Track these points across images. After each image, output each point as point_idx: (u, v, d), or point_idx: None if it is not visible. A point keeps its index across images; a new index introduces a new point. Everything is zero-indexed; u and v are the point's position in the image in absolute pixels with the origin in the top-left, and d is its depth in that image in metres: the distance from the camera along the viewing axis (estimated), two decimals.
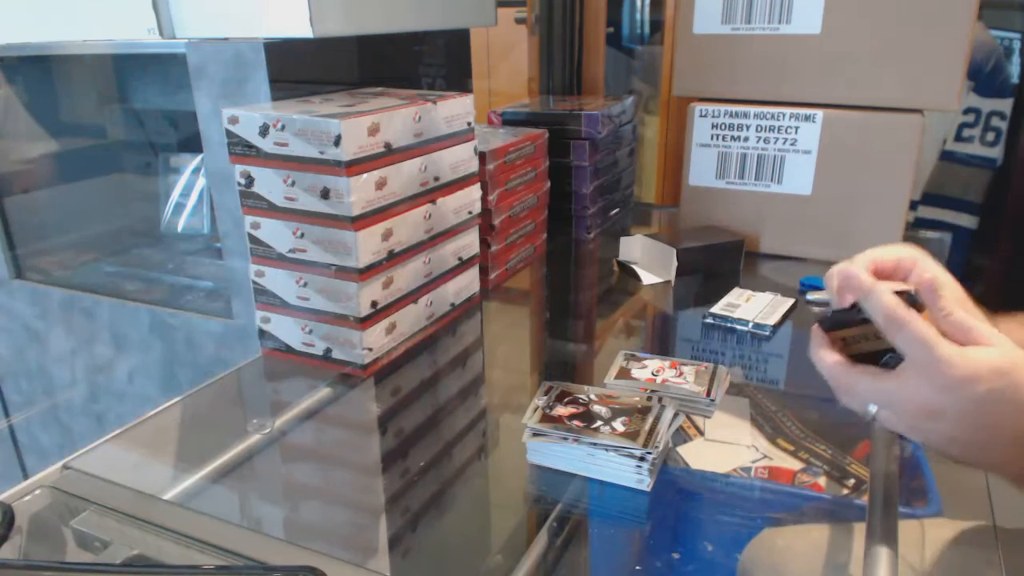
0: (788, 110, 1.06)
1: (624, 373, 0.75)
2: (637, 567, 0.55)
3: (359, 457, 0.70)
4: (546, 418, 0.64)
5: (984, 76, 1.61)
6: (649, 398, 0.66)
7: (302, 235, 0.75)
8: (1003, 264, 1.66)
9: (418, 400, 0.78)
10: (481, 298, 0.99)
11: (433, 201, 0.83)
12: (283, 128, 0.72)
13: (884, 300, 0.44)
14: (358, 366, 0.78)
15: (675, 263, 1.03)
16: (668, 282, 1.05)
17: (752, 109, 1.09)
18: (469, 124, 0.88)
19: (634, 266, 1.09)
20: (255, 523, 0.60)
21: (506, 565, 0.54)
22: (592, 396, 0.67)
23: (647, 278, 1.06)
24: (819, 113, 1.04)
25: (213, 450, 0.67)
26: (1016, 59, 1.65)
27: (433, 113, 0.81)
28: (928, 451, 0.63)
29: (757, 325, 0.89)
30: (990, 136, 1.64)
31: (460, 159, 0.87)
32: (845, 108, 1.04)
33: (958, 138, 1.67)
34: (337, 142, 0.69)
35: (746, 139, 1.10)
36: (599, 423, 0.62)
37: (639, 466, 0.59)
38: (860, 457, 0.65)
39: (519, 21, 1.74)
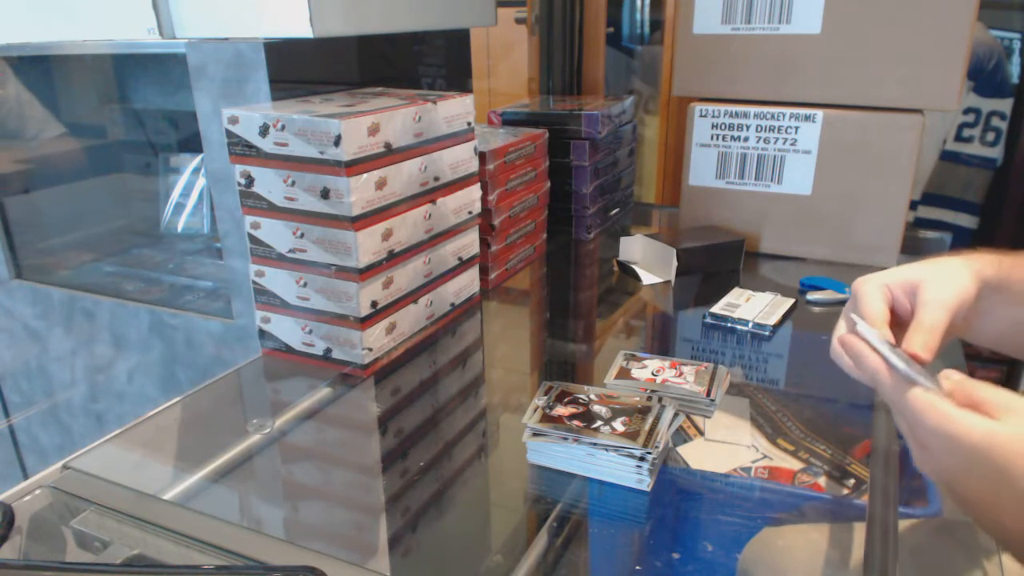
0: (788, 110, 1.06)
1: (624, 373, 0.75)
2: (637, 567, 0.55)
3: (359, 457, 0.70)
4: (546, 418, 0.64)
5: (984, 76, 1.61)
6: (649, 398, 0.66)
7: (302, 235, 0.75)
8: None
9: (418, 400, 0.78)
10: (481, 298, 0.99)
11: (433, 201, 0.83)
12: (283, 128, 0.72)
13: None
14: (358, 366, 0.78)
15: (675, 263, 1.03)
16: (668, 282, 1.05)
17: (752, 109, 1.09)
18: (469, 124, 0.88)
19: (634, 266, 1.09)
20: (255, 523, 0.60)
21: (506, 565, 0.54)
22: (592, 396, 0.67)
23: (647, 278, 1.06)
24: (819, 113, 1.04)
25: (213, 450, 0.67)
26: (1016, 59, 1.65)
27: (433, 113, 0.81)
28: None
29: (757, 325, 0.89)
30: (990, 136, 1.64)
31: (460, 159, 0.87)
32: (845, 108, 1.04)
33: (958, 138, 1.67)
34: (337, 142, 0.69)
35: (746, 139, 1.10)
36: (599, 423, 0.62)
37: (639, 466, 0.59)
38: (860, 457, 0.65)
39: (519, 21, 1.73)
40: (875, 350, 0.47)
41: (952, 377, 0.43)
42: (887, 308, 0.53)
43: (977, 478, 0.40)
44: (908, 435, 0.45)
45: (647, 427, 0.61)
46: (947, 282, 0.51)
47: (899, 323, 0.51)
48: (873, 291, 0.53)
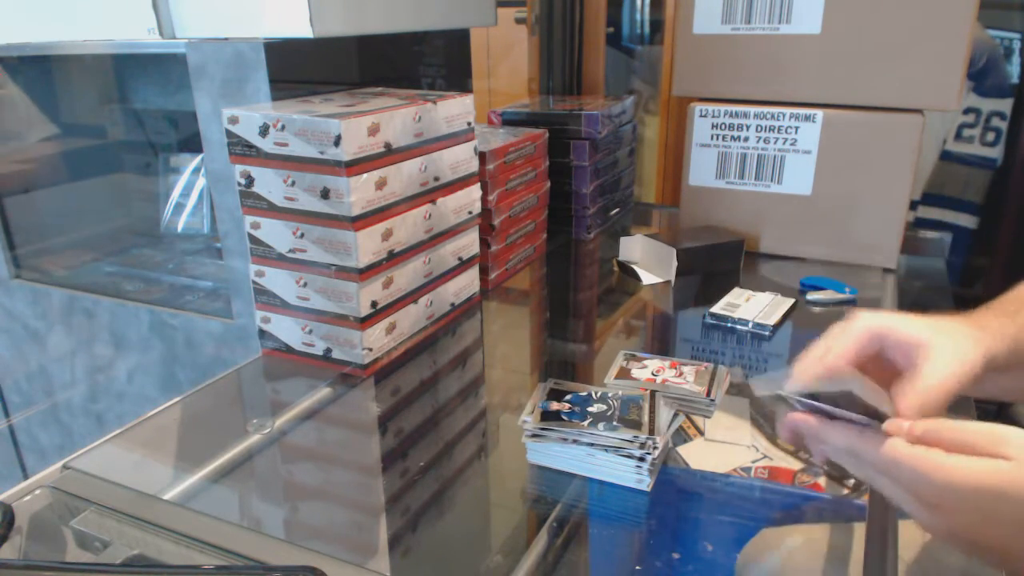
0: (788, 110, 1.06)
1: (624, 373, 0.75)
2: (637, 567, 0.55)
3: (359, 457, 0.70)
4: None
5: (973, 74, 1.61)
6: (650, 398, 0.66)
7: (302, 235, 0.75)
8: (1003, 264, 1.66)
9: (418, 400, 0.78)
10: (481, 298, 0.99)
11: (433, 201, 0.83)
12: (283, 128, 0.72)
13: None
14: (358, 366, 0.79)
15: (675, 263, 1.03)
16: (668, 282, 1.05)
17: (752, 109, 1.09)
18: (469, 124, 0.88)
19: (634, 266, 1.09)
20: (255, 523, 0.60)
21: (506, 565, 0.54)
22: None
23: (647, 278, 1.06)
24: (819, 113, 1.04)
25: (213, 450, 0.67)
26: (1016, 59, 1.65)
27: (433, 113, 0.81)
28: None
29: (757, 325, 0.89)
30: (990, 136, 1.64)
31: (460, 159, 0.87)
32: (845, 108, 1.04)
33: (958, 138, 1.67)
34: (337, 142, 0.69)
35: (746, 139, 1.10)
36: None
37: (639, 466, 0.59)
38: None
39: (519, 21, 1.73)
40: (824, 412, 0.44)
41: (920, 426, 0.40)
42: (855, 350, 0.49)
43: (1000, 524, 0.38)
44: (907, 498, 0.41)
45: (647, 427, 0.61)
46: (957, 357, 0.45)
47: (868, 370, 0.48)
48: (851, 330, 0.49)
